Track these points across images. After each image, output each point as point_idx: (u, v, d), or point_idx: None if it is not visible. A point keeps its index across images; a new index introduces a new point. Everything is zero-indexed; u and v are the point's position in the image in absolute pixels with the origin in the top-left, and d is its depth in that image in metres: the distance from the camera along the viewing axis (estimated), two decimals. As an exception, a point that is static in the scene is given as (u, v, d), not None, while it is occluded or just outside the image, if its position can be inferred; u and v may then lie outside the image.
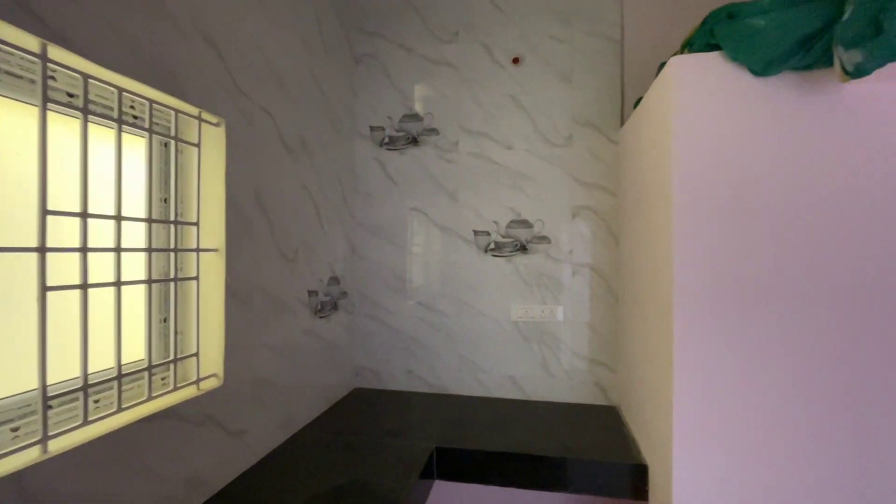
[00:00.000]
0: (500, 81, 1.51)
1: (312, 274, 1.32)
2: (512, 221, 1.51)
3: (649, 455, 1.04)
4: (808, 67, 0.77)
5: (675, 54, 1.00)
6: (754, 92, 0.82)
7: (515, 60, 1.50)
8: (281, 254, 1.16)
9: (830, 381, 0.80)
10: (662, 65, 1.08)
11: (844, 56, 0.70)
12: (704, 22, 0.89)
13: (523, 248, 1.50)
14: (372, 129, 1.60)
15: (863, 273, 0.79)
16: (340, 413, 1.39)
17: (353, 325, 1.61)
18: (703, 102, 0.84)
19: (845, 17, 0.69)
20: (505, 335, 1.51)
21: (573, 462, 1.09)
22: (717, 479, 0.84)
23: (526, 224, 1.50)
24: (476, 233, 1.53)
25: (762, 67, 0.80)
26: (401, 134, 1.58)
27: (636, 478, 1.05)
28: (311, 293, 1.32)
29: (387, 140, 1.59)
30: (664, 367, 0.91)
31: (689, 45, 0.91)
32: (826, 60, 0.74)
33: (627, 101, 1.43)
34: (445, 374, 1.55)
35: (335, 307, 1.46)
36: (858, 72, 0.69)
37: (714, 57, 0.84)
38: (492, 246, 1.52)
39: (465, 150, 1.54)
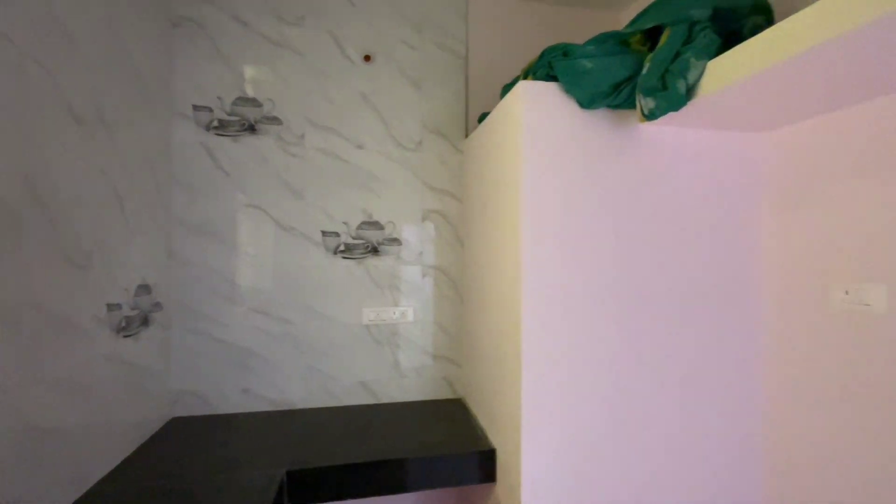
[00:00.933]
0: (351, 78, 1.46)
1: (113, 283, 1.05)
2: (363, 223, 1.47)
3: (497, 440, 1.14)
4: (618, 106, 0.95)
5: (517, 79, 1.12)
6: (582, 120, 0.98)
7: (367, 58, 1.46)
8: (67, 258, 0.88)
9: (646, 371, 1.01)
10: (506, 87, 1.20)
11: (643, 102, 0.89)
12: (542, 55, 1.02)
13: (375, 250, 1.48)
14: (196, 108, 1.35)
15: (657, 275, 1.02)
16: (154, 452, 1.13)
17: (171, 342, 1.33)
18: (546, 124, 0.97)
19: (644, 71, 0.88)
20: (356, 340, 1.46)
21: (429, 459, 1.12)
22: (558, 456, 0.97)
23: (377, 226, 1.48)
24: (325, 234, 1.44)
25: (587, 102, 0.96)
26: (234, 118, 1.38)
27: (486, 462, 1.14)
28: (112, 307, 1.04)
29: (216, 123, 1.37)
30: (513, 359, 1.01)
31: (533, 73, 1.03)
32: (631, 103, 0.93)
33: (471, 115, 1.54)
34: (291, 388, 1.41)
35: (145, 322, 1.19)
36: (651, 115, 0.89)
37: (553, 87, 0.97)
38: (342, 248, 1.45)
39: (312, 144, 1.43)
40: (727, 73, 0.78)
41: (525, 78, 1.07)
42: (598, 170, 0.99)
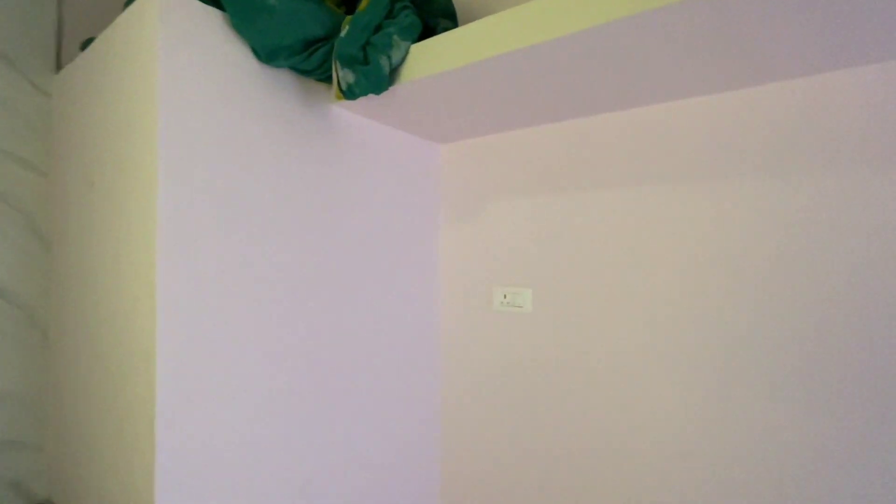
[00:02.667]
0: None
1: None
2: None
3: (112, 567, 0.70)
4: (309, 74, 0.74)
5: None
6: (261, 82, 0.71)
7: None
8: None
9: (330, 395, 0.81)
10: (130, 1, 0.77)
11: (340, 73, 0.71)
12: (200, -31, 0.68)
13: None
14: None
15: (343, 276, 0.85)
16: None
17: None
18: (200, 66, 0.63)
19: (342, 34, 0.70)
20: None
21: None
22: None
23: None
24: None
25: (266, 55, 0.70)
26: None
27: None
28: None
29: None
30: (141, 420, 0.62)
31: (181, -12, 0.67)
32: (326, 74, 0.73)
33: (69, 38, 0.96)
34: None
35: None
36: (350, 93, 0.72)
37: (216, 15, 0.65)
38: None
39: None
40: (425, 63, 0.70)
41: (169, -7, 0.69)
42: (279, 149, 0.74)
